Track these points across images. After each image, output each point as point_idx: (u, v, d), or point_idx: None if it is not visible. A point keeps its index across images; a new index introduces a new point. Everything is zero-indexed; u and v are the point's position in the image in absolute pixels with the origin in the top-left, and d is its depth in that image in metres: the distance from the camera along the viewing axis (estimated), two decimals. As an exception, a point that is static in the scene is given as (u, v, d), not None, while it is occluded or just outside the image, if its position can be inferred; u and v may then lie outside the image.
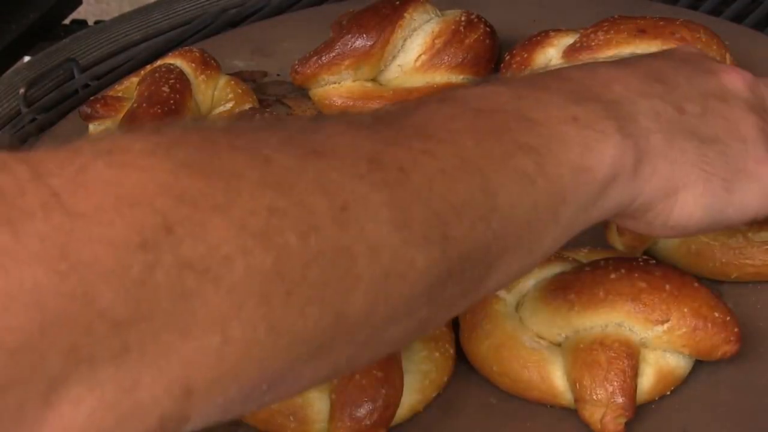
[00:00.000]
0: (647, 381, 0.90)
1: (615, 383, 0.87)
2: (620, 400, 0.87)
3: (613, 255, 0.96)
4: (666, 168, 0.73)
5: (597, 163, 0.68)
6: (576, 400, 0.89)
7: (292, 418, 0.88)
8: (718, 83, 0.80)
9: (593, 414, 0.87)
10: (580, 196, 0.68)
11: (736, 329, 0.90)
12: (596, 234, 1.05)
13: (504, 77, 0.76)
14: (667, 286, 0.90)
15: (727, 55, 1.21)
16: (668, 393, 0.91)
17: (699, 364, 0.93)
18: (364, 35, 1.25)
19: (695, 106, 0.77)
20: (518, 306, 0.94)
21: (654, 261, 0.94)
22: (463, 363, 0.94)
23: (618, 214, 0.73)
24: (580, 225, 0.70)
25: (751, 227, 0.98)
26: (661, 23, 1.21)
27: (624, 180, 0.70)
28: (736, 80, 0.81)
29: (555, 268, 0.95)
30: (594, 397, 0.87)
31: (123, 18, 1.57)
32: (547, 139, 0.67)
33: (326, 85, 1.26)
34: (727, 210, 0.77)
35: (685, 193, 0.74)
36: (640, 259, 0.94)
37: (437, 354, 0.92)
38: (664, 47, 1.19)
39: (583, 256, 0.97)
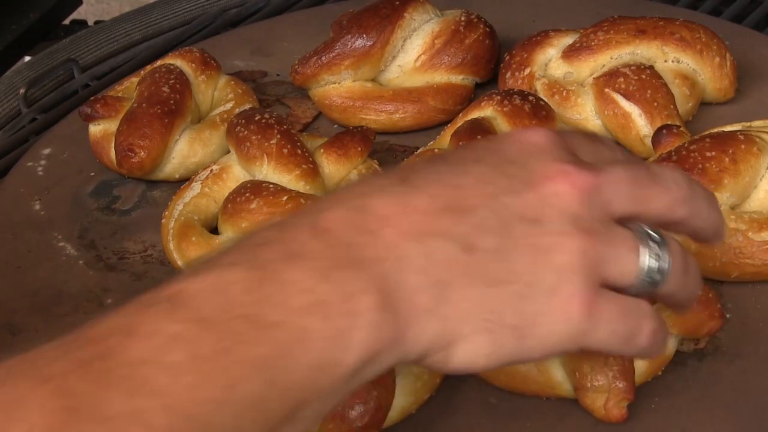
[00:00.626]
0: (642, 363, 0.90)
1: (615, 368, 0.87)
2: (621, 384, 0.87)
3: None
4: (436, 326, 0.63)
5: (344, 355, 0.60)
6: (576, 389, 0.89)
7: (290, 418, 0.88)
8: (536, 198, 0.66)
9: (595, 401, 0.88)
10: (325, 390, 0.60)
11: (718, 305, 0.91)
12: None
13: (252, 236, 0.64)
14: None
15: (727, 55, 1.21)
16: (668, 393, 0.91)
17: (699, 364, 0.93)
18: (364, 35, 1.25)
19: (491, 239, 0.65)
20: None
21: None
22: (462, 363, 0.95)
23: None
24: (332, 405, 0.62)
25: (751, 227, 0.99)
26: (661, 23, 1.21)
27: (384, 353, 0.62)
28: (565, 190, 0.66)
29: None
30: (595, 383, 0.87)
31: (123, 18, 1.57)
32: (284, 344, 0.58)
33: (326, 85, 1.26)
34: (519, 355, 0.66)
35: (463, 344, 0.65)
36: None
37: (435, 354, 0.92)
38: (664, 47, 1.19)
39: None
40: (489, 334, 0.65)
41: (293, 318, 0.59)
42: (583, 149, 0.70)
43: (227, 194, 1.08)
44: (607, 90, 1.16)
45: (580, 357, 0.88)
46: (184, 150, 1.18)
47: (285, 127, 1.11)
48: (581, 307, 0.66)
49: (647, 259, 0.68)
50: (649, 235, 0.69)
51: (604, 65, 1.20)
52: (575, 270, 0.66)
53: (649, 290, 0.70)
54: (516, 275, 0.65)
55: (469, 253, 0.64)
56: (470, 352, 0.65)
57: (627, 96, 1.15)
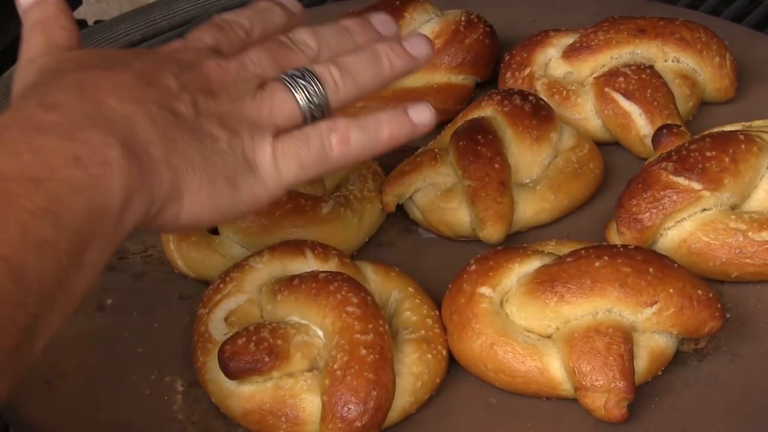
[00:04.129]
0: (641, 363, 0.90)
1: (614, 368, 0.88)
2: (621, 384, 0.87)
3: (581, 245, 0.96)
4: (169, 175, 0.76)
5: (109, 199, 0.70)
6: (576, 389, 0.89)
7: (284, 419, 0.88)
8: (204, 77, 0.82)
9: (595, 401, 0.88)
10: (101, 234, 0.70)
11: (719, 305, 0.92)
12: (595, 233, 1.06)
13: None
14: (651, 269, 0.91)
15: (727, 55, 1.21)
16: (668, 393, 0.91)
17: (699, 364, 0.94)
18: (364, 35, 1.25)
19: (187, 107, 0.79)
20: (502, 303, 0.94)
21: (631, 246, 0.95)
22: (460, 364, 0.95)
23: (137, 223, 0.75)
24: (108, 254, 0.72)
25: (751, 227, 0.99)
26: (661, 23, 1.21)
27: (136, 197, 0.73)
28: (217, 71, 0.83)
29: (534, 262, 0.95)
30: (595, 383, 0.88)
31: (123, 18, 1.57)
32: (57, 194, 0.68)
33: (326, 85, 1.26)
34: (237, 205, 0.81)
35: (191, 196, 0.77)
36: (618, 245, 0.95)
37: (429, 356, 0.92)
38: (664, 47, 1.20)
39: (552, 248, 0.98)
40: (211, 184, 0.78)
41: (57, 173, 0.68)
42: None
43: (227, 194, 1.08)
44: (607, 89, 1.16)
45: (580, 357, 0.88)
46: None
47: (285, 127, 1.11)
48: (266, 155, 0.82)
49: (302, 96, 0.85)
50: (296, 76, 0.85)
51: (604, 65, 1.20)
52: (250, 130, 0.82)
53: (321, 114, 0.85)
54: (214, 135, 0.79)
55: (176, 116, 0.78)
56: (198, 204, 0.78)
57: (627, 95, 1.15)
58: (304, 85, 0.85)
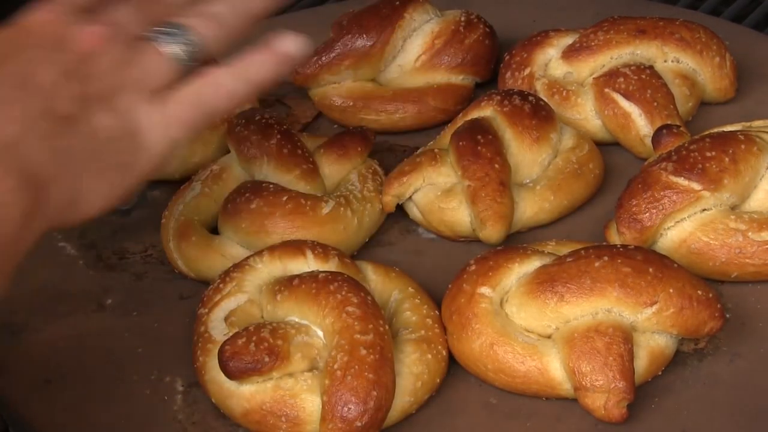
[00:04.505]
0: (641, 363, 0.91)
1: (614, 368, 0.88)
2: (621, 384, 0.87)
3: (581, 245, 0.96)
4: (65, 186, 0.76)
5: (9, 228, 0.71)
6: (576, 389, 0.89)
7: (284, 419, 0.88)
8: (74, 55, 0.79)
9: (595, 401, 0.88)
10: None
11: (719, 305, 0.92)
12: (595, 233, 1.06)
13: None
14: (651, 269, 0.91)
15: (727, 55, 1.21)
16: (668, 393, 0.91)
17: (699, 364, 0.94)
18: (364, 35, 1.25)
19: (66, 103, 0.77)
20: (502, 303, 0.94)
21: (631, 246, 0.95)
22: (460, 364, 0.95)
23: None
24: (11, 266, 0.73)
25: (751, 227, 0.99)
26: (661, 23, 1.21)
27: (35, 220, 0.73)
28: (86, 43, 0.80)
29: (535, 262, 0.95)
30: (595, 383, 0.88)
31: (123, 18, 1.57)
32: None
33: (326, 85, 1.26)
34: (136, 180, 0.80)
35: (88, 194, 0.77)
36: (618, 245, 0.95)
37: (429, 356, 0.92)
38: (664, 47, 1.20)
39: (552, 248, 0.98)
40: (104, 177, 0.78)
41: None
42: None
43: (227, 194, 1.08)
44: (607, 90, 1.16)
45: (580, 357, 0.89)
46: (184, 150, 1.18)
47: (285, 127, 1.11)
48: (149, 122, 0.80)
49: (173, 50, 0.83)
50: (164, 31, 0.83)
51: (604, 65, 1.20)
52: (129, 96, 0.80)
53: (195, 62, 0.84)
54: (100, 126, 0.78)
55: (58, 121, 0.75)
56: (95, 200, 0.78)
57: (627, 96, 1.15)
58: (173, 40, 0.84)
